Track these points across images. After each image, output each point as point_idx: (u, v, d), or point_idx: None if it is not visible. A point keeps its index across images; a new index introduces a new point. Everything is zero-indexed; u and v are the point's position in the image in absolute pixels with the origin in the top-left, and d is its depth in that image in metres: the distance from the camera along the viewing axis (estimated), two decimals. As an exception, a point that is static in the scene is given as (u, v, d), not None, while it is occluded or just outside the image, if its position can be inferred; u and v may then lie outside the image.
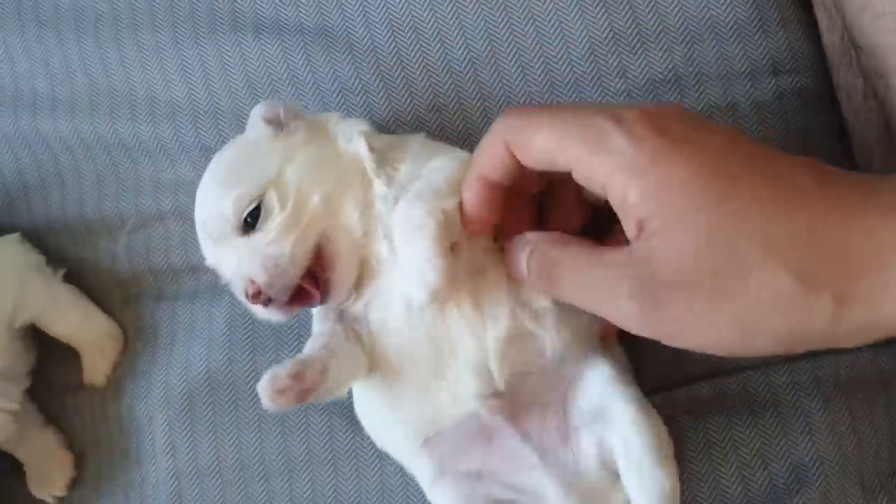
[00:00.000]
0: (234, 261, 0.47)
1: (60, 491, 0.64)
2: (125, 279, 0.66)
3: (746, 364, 0.52)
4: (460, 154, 0.49)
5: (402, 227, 0.44)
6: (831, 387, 0.52)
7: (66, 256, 0.66)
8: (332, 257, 0.47)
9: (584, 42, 0.54)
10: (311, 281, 0.46)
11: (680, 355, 0.46)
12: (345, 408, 0.57)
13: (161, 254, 0.65)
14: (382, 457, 0.55)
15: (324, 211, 0.47)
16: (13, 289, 0.62)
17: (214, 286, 0.62)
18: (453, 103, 0.56)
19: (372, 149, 0.49)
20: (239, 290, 0.47)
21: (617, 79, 0.54)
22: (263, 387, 0.43)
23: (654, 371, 0.52)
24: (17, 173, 0.68)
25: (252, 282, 0.46)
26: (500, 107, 0.56)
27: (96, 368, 0.64)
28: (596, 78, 0.54)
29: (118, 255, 0.66)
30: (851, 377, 0.52)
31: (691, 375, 0.53)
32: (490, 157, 0.43)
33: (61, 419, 0.66)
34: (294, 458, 0.58)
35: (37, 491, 0.64)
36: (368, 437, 0.56)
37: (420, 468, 0.49)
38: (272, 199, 0.47)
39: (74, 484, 0.65)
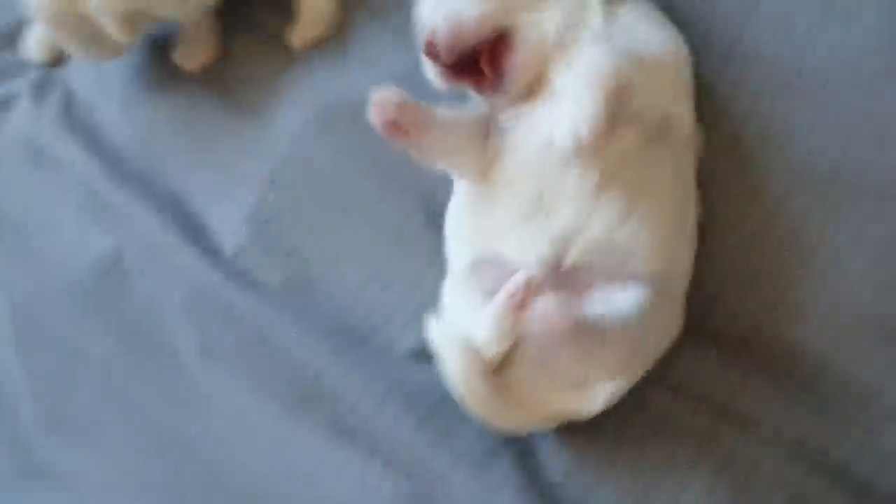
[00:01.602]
0: (428, 8, 0.47)
1: (208, 60, 0.70)
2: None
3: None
4: (676, 40, 0.49)
5: (586, 68, 0.42)
6: None
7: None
8: (515, 45, 0.46)
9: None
10: (490, 63, 0.46)
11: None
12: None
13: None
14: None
15: (528, 3, 0.47)
16: None
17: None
18: None
19: None
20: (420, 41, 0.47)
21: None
22: (373, 95, 0.44)
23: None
24: None
25: (432, 32, 0.46)
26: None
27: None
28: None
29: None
30: None
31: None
32: None
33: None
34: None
35: (185, 61, 0.71)
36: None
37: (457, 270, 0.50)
38: None
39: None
